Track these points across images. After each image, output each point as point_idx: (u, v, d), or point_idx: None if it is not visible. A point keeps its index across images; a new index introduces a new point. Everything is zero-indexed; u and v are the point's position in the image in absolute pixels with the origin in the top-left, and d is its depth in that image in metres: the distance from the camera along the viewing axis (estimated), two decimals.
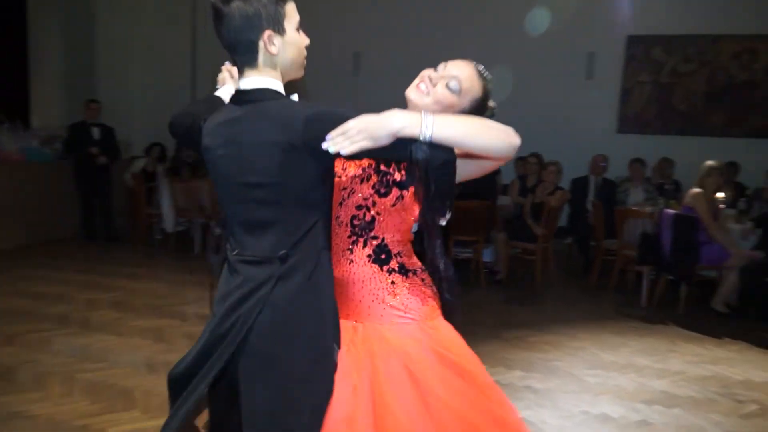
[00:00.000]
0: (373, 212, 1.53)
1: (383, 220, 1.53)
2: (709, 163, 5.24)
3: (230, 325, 1.39)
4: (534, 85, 7.60)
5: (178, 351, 3.88)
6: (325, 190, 1.46)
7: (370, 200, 1.53)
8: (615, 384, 3.66)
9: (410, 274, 1.55)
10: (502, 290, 5.86)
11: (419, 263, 1.59)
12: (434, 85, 1.59)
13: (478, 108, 1.62)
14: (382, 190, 1.52)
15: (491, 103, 1.67)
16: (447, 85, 1.58)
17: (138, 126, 8.84)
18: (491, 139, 1.35)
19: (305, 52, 1.52)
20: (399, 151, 1.32)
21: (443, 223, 1.44)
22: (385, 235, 1.54)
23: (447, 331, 1.56)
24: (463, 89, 1.59)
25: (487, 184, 5.81)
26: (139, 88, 9.19)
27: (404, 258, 1.56)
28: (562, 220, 6.64)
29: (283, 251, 1.40)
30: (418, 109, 1.52)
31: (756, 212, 5.73)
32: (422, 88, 1.59)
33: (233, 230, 1.49)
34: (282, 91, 1.47)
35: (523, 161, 6.61)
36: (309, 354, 1.40)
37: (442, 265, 1.52)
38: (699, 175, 5.25)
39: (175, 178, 7.21)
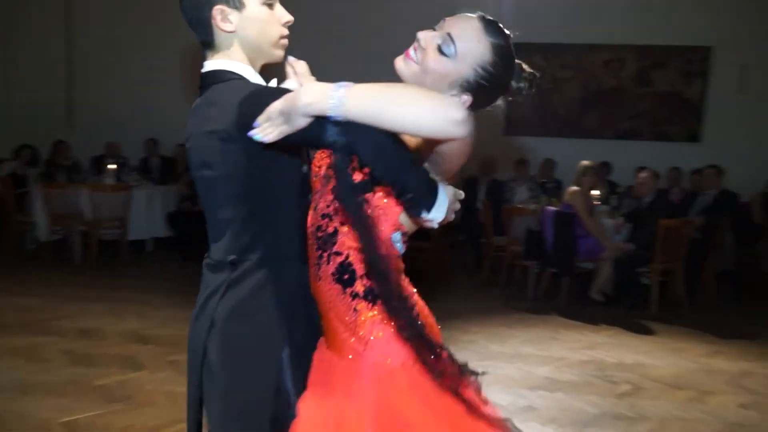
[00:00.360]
0: (336, 222, 1.22)
1: (347, 231, 1.20)
2: (584, 163, 5.65)
3: (190, 344, 1.28)
4: None
5: (55, 370, 3.60)
6: (282, 188, 1.24)
7: (332, 207, 1.21)
8: (503, 373, 3.83)
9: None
10: None
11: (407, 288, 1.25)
12: (425, 49, 1.22)
13: (491, 78, 1.24)
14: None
15: (523, 72, 1.30)
16: (439, 48, 1.21)
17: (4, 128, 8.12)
18: (418, 109, 1.03)
19: (281, 30, 1.30)
20: (313, 134, 1.05)
21: (433, 225, 1.19)
22: (350, 252, 1.21)
23: (409, 388, 1.19)
24: (459, 51, 1.21)
25: None
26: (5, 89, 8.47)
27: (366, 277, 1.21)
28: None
29: (233, 255, 1.22)
30: (405, 81, 1.23)
31: (626, 208, 6.23)
32: (411, 55, 1.24)
33: (207, 230, 1.32)
34: (243, 72, 1.26)
35: None
36: (252, 394, 1.21)
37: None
38: (576, 175, 5.64)
39: (49, 183, 6.68)
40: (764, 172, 7.03)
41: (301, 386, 1.24)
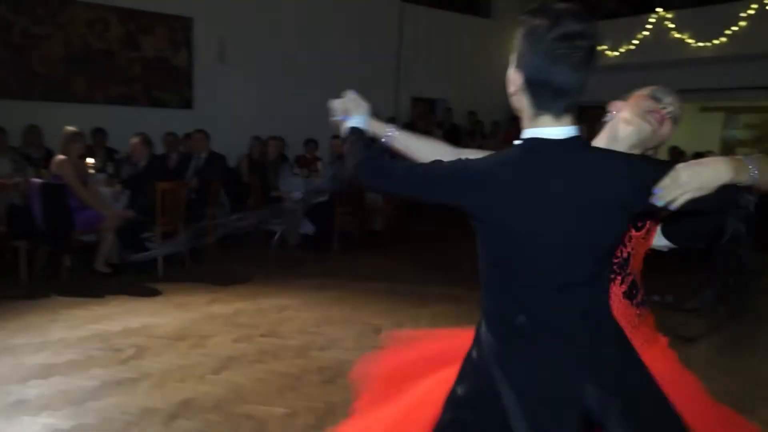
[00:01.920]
0: (629, 248, 1.54)
1: (635, 254, 1.57)
2: (70, 129, 5.25)
3: None
4: None
5: None
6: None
7: (627, 236, 1.50)
8: None
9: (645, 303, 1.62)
10: None
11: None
12: (661, 119, 1.65)
13: None
14: (639, 224, 1.56)
15: None
16: (672, 120, 1.70)
17: None
18: None
19: None
20: (719, 203, 1.26)
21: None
22: (634, 272, 1.59)
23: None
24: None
25: None
26: None
27: (641, 288, 1.61)
28: None
29: None
30: (635, 133, 1.65)
31: (125, 175, 6.13)
32: (656, 119, 1.67)
33: None
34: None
35: None
36: None
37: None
38: (62, 142, 5.19)
39: None
40: (246, 134, 8.02)
41: None
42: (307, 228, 7.22)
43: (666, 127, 1.68)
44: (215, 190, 6.26)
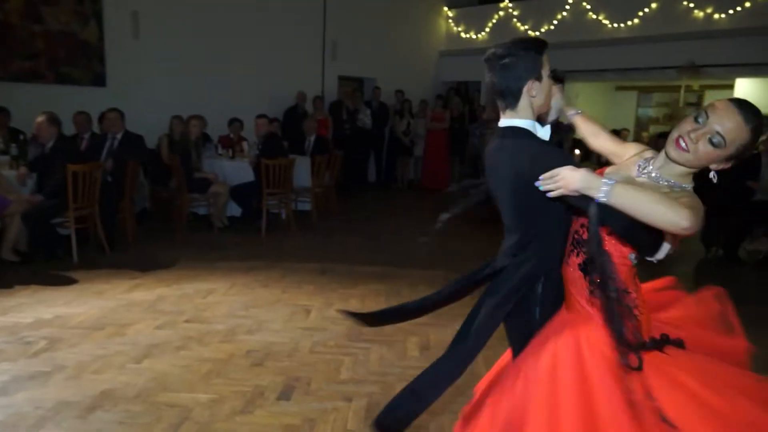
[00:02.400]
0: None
1: (607, 239, 1.69)
2: None
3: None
4: None
5: None
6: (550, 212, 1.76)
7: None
8: None
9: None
10: None
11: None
12: (696, 142, 1.59)
13: (747, 148, 1.62)
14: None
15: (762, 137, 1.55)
16: (710, 141, 1.59)
17: None
18: (656, 217, 1.44)
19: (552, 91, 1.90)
20: (581, 204, 1.57)
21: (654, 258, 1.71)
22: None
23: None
24: (727, 142, 1.58)
25: None
26: None
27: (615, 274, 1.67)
28: None
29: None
30: (679, 163, 1.64)
31: (31, 157, 5.73)
32: (682, 145, 1.61)
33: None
34: (531, 128, 1.80)
35: None
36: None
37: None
38: None
39: None
40: (166, 114, 7.67)
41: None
42: (234, 210, 7.05)
43: (702, 153, 1.62)
44: (133, 172, 5.96)
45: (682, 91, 10.38)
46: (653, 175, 1.69)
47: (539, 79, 1.78)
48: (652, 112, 13.11)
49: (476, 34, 11.59)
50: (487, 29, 11.46)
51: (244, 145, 7.60)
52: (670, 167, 1.67)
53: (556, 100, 2.06)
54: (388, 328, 3.93)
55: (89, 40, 7.66)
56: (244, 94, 9.21)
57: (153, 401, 2.87)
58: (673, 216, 1.42)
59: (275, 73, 9.72)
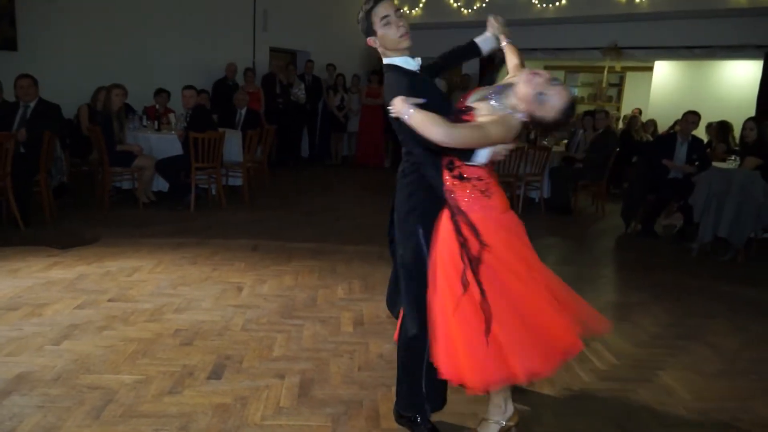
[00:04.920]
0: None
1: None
2: None
3: None
4: None
5: None
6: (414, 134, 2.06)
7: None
8: None
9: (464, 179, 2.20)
10: None
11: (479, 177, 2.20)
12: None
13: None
14: None
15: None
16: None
17: None
18: (429, 133, 1.96)
19: (398, 33, 2.22)
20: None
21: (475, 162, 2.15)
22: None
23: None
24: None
25: None
26: None
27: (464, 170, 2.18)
28: None
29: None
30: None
31: None
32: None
33: None
34: (399, 62, 2.28)
35: None
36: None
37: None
38: None
39: None
40: (83, 82, 7.25)
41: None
42: (161, 185, 6.78)
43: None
44: (49, 144, 5.61)
45: (606, 72, 10.78)
46: (492, 102, 2.14)
47: (374, 34, 2.24)
48: (577, 92, 13.57)
49: (410, 9, 11.55)
50: (421, 5, 11.44)
51: (171, 117, 7.30)
52: (508, 98, 2.12)
53: (495, 30, 2.60)
54: (322, 305, 3.93)
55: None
56: (170, 63, 8.81)
57: (74, 384, 2.74)
58: (436, 134, 1.94)
59: (203, 43, 9.34)
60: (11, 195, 5.16)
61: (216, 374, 2.91)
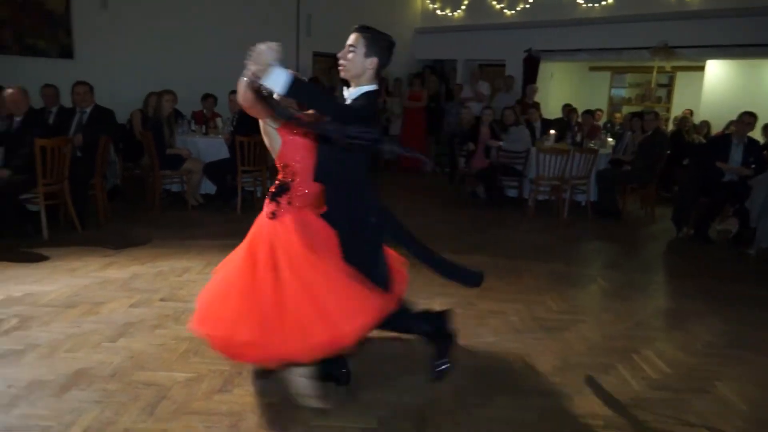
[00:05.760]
0: None
1: None
2: None
3: None
4: None
5: None
6: None
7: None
8: None
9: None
10: None
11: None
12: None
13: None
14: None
15: None
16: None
17: None
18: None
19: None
20: None
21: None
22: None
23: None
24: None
25: None
26: None
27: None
28: None
29: None
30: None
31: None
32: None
33: None
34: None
35: None
36: None
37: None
38: None
39: None
40: (135, 88, 7.49)
41: None
42: (208, 187, 6.94)
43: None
44: (104, 148, 5.82)
45: (655, 72, 10.50)
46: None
47: None
48: (625, 93, 13.25)
49: (452, 11, 11.52)
50: (463, 7, 11.40)
51: (218, 121, 7.47)
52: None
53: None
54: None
55: (55, 10, 7.39)
56: (218, 68, 8.99)
57: (129, 380, 2.84)
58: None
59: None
60: (69, 198, 5.37)
61: (263, 374, 2.95)
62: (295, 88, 2.23)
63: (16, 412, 2.54)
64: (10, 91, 5.17)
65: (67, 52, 7.52)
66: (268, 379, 2.91)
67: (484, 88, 10.06)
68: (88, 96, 5.93)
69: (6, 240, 4.98)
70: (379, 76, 2.61)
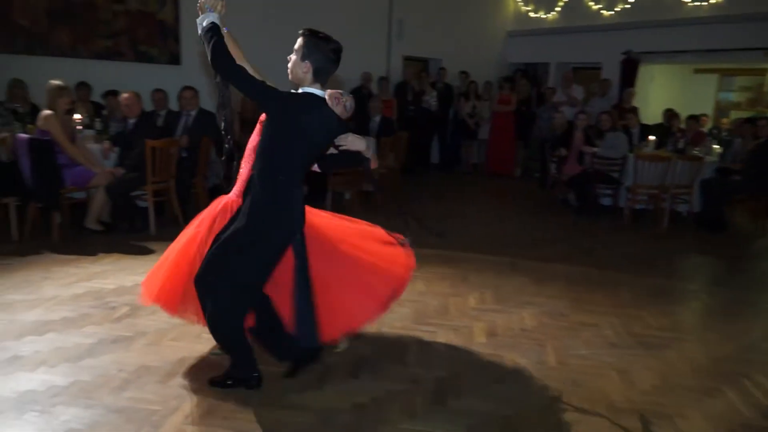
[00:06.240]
0: None
1: None
2: (55, 82, 5.09)
3: None
4: None
5: None
6: None
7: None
8: None
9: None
10: None
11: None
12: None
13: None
14: None
15: None
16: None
17: None
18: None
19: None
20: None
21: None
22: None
23: None
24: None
25: None
26: None
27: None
28: None
29: None
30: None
31: (112, 131, 6.00)
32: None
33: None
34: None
35: None
36: None
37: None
38: (48, 96, 5.05)
39: None
40: (238, 93, 7.83)
41: None
42: None
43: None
44: (206, 148, 6.15)
45: None
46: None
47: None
48: (734, 97, 12.38)
49: (546, 13, 11.23)
50: (558, 8, 11.09)
51: None
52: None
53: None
54: (454, 314, 3.93)
55: (166, 20, 7.90)
56: None
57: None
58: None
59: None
60: (174, 195, 5.72)
61: (354, 374, 3.01)
62: (209, 34, 2.53)
63: (125, 394, 2.73)
64: (125, 95, 5.58)
65: (175, 59, 8.01)
66: (359, 378, 2.96)
67: (578, 92, 9.74)
68: (193, 100, 6.29)
69: (119, 234, 5.37)
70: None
